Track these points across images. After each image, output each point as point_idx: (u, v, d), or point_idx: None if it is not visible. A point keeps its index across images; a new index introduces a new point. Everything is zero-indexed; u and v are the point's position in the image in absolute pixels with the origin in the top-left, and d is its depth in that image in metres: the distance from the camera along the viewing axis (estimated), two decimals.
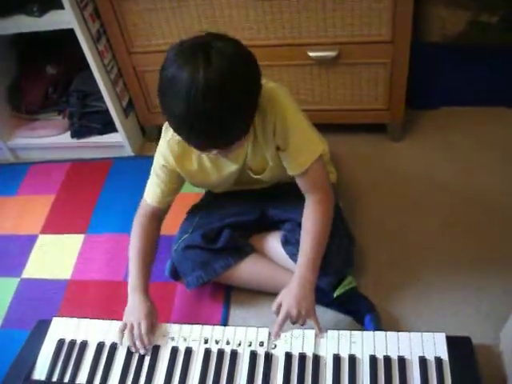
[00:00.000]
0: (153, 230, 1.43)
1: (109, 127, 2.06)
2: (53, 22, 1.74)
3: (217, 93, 1.02)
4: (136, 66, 1.88)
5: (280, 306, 1.28)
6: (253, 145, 1.31)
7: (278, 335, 1.26)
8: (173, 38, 1.75)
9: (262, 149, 1.31)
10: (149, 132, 2.14)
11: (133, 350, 1.30)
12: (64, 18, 1.70)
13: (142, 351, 1.29)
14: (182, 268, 1.48)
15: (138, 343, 1.29)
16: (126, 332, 1.30)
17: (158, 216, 1.45)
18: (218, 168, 1.36)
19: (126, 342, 1.30)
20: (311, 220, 1.33)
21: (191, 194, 1.63)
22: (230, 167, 1.36)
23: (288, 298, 1.27)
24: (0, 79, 2.17)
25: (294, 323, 1.26)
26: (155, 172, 1.38)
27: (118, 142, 2.07)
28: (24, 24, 1.77)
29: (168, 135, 1.30)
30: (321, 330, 1.26)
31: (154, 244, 1.44)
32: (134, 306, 1.32)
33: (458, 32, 1.74)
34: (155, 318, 1.33)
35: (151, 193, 1.41)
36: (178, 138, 1.19)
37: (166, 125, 1.31)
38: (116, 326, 1.36)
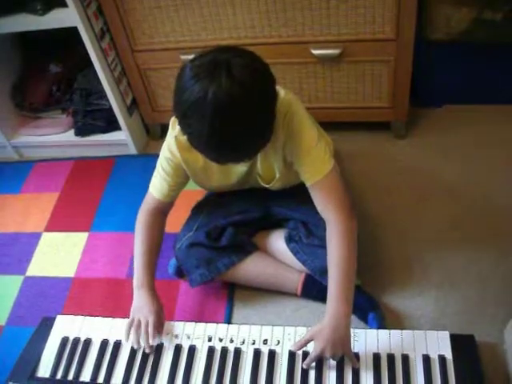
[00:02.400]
0: (157, 225, 1.43)
1: (112, 125, 2.06)
2: (56, 20, 1.74)
3: (242, 113, 1.02)
4: (139, 64, 1.88)
5: (307, 343, 1.21)
6: (264, 151, 1.28)
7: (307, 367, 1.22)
8: (176, 36, 1.75)
9: (271, 158, 1.31)
10: (152, 130, 2.14)
11: (135, 346, 1.30)
12: (67, 16, 1.70)
13: (147, 349, 1.29)
14: (185, 266, 1.48)
15: (143, 340, 1.29)
16: (133, 328, 1.30)
17: (162, 210, 1.44)
18: (224, 168, 1.35)
19: (132, 338, 1.31)
20: (335, 248, 1.24)
21: (195, 192, 1.63)
22: (238, 168, 1.36)
23: (322, 338, 1.17)
24: (4, 77, 2.17)
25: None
26: (161, 165, 1.37)
27: (121, 140, 2.07)
28: (27, 22, 1.77)
29: (175, 130, 1.28)
30: (355, 364, 1.20)
31: (158, 240, 1.43)
32: (142, 303, 1.32)
33: (462, 29, 1.73)
34: (163, 316, 1.34)
35: (156, 186, 1.39)
36: None
37: (173, 119, 1.30)
38: (119, 323, 1.37)
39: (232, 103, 1.00)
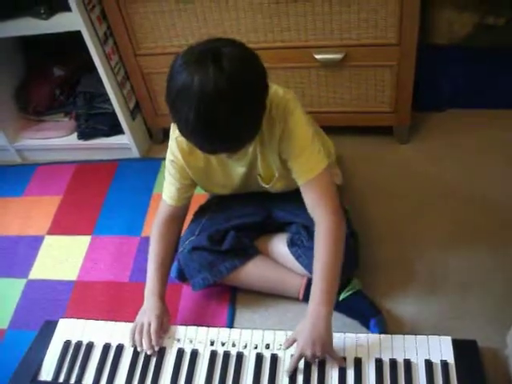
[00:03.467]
0: (170, 233, 1.45)
1: (115, 129, 2.07)
2: (60, 24, 1.75)
3: (228, 102, 1.02)
4: (143, 67, 1.89)
5: (293, 342, 1.23)
6: (261, 150, 1.31)
7: (291, 371, 1.21)
8: (179, 40, 1.76)
9: (269, 157, 1.32)
10: (155, 134, 2.14)
11: (139, 349, 1.31)
12: (71, 20, 1.71)
13: (148, 351, 1.30)
14: (188, 269, 1.48)
15: (145, 342, 1.30)
16: (136, 331, 1.31)
17: (176, 216, 1.46)
18: (225, 168, 1.37)
19: (136, 340, 1.32)
20: (322, 248, 1.25)
21: (197, 196, 1.62)
22: (237, 169, 1.37)
23: (302, 337, 1.19)
24: (7, 81, 2.18)
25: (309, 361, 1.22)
26: (168, 170, 1.39)
27: (124, 144, 2.08)
28: (31, 26, 1.77)
29: (176, 133, 1.29)
30: (341, 363, 1.21)
31: (171, 248, 1.45)
32: (147, 308, 1.34)
33: (465, 34, 1.74)
34: (166, 320, 1.35)
35: (166, 193, 1.42)
36: None
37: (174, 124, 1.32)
38: (122, 327, 1.37)
39: (217, 92, 1.01)
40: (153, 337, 1.30)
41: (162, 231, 1.43)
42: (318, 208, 1.29)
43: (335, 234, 1.26)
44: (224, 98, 1.01)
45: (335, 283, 1.24)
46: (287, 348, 1.25)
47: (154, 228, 1.45)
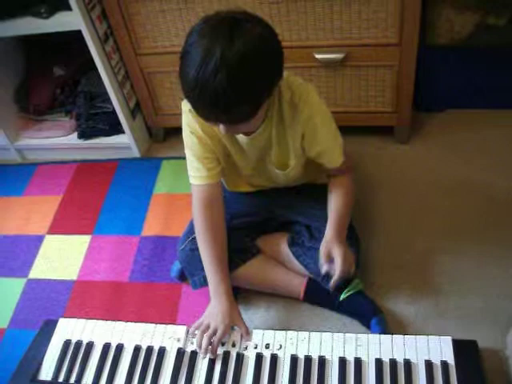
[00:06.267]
0: (215, 219, 1.37)
1: (116, 129, 2.07)
2: (60, 23, 1.75)
3: (229, 73, 1.01)
4: (143, 67, 1.89)
5: (328, 253, 1.33)
6: (279, 134, 1.30)
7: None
8: (179, 39, 1.75)
9: (288, 140, 1.32)
10: (155, 134, 2.14)
11: (198, 350, 1.28)
12: (72, 20, 1.71)
13: (202, 354, 1.27)
14: (188, 267, 1.48)
15: (203, 345, 1.26)
16: (199, 331, 1.28)
17: (214, 198, 1.38)
18: (241, 148, 1.35)
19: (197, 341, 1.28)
20: (342, 186, 1.42)
21: None
22: (251, 151, 1.35)
23: (335, 244, 1.32)
24: (8, 80, 2.18)
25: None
26: (188, 147, 1.34)
27: (124, 143, 2.08)
28: (32, 26, 1.77)
29: (187, 106, 1.28)
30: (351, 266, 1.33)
31: (222, 234, 1.39)
32: (218, 310, 1.30)
33: (466, 34, 1.74)
34: (229, 330, 1.30)
35: (195, 172, 1.36)
36: None
37: (183, 101, 1.31)
38: (122, 327, 1.37)
39: (222, 60, 1.00)
40: (214, 344, 1.26)
41: (205, 219, 1.36)
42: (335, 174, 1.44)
43: (350, 177, 1.45)
44: (225, 69, 1.00)
45: (345, 227, 1.39)
46: (327, 268, 1.33)
47: (195, 220, 1.38)
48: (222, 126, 1.14)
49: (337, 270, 1.29)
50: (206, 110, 1.10)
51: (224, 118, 1.11)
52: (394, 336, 1.25)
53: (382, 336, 1.25)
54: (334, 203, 1.40)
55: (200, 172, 1.35)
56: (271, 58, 1.10)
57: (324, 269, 1.33)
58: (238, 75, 1.02)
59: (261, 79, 1.08)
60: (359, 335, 1.26)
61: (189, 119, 1.31)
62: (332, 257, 1.32)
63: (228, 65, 1.01)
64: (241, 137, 1.30)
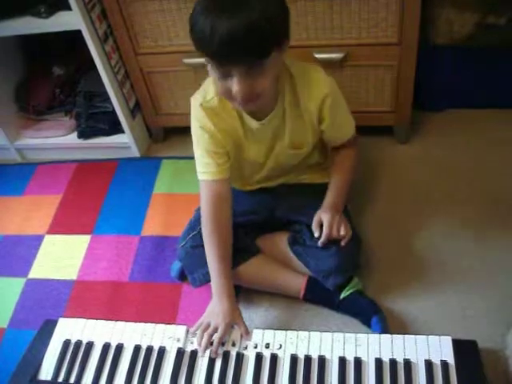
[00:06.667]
0: (223, 216, 1.37)
1: (115, 128, 2.07)
2: (60, 23, 1.75)
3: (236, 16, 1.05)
4: (143, 67, 1.89)
5: (320, 223, 1.40)
6: (291, 116, 1.33)
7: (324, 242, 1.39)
8: (179, 39, 1.76)
9: (305, 121, 1.35)
10: (155, 133, 2.14)
11: (198, 349, 1.28)
12: (71, 20, 1.70)
13: (200, 353, 1.27)
14: (188, 265, 1.48)
15: (203, 344, 1.26)
16: (199, 330, 1.29)
17: (223, 194, 1.37)
18: (253, 135, 1.36)
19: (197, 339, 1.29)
20: (346, 156, 1.50)
21: (196, 195, 1.63)
22: (264, 133, 1.36)
23: (325, 213, 1.40)
24: (7, 80, 2.18)
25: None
26: (197, 142, 1.35)
27: (124, 143, 2.07)
28: (31, 25, 1.77)
29: (198, 101, 1.31)
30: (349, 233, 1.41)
31: (228, 233, 1.39)
32: (219, 310, 1.30)
33: (466, 34, 1.73)
34: (229, 330, 1.30)
35: (204, 167, 1.35)
36: (209, 98, 1.30)
37: (193, 97, 1.34)
38: (121, 326, 1.36)
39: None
40: (214, 343, 1.26)
41: (213, 217, 1.36)
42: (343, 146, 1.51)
43: (355, 149, 1.52)
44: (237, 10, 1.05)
45: (346, 196, 1.49)
46: (319, 233, 1.40)
47: (203, 217, 1.38)
48: (236, 83, 1.12)
49: (323, 233, 1.38)
50: (224, 47, 1.06)
51: (241, 53, 1.08)
52: (393, 336, 1.25)
53: (382, 336, 1.25)
54: (337, 174, 1.48)
55: (210, 167, 1.35)
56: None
57: (316, 234, 1.40)
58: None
59: (275, 7, 1.13)
60: (359, 335, 1.26)
61: (199, 113, 1.32)
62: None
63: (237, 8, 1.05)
64: (254, 123, 1.31)
